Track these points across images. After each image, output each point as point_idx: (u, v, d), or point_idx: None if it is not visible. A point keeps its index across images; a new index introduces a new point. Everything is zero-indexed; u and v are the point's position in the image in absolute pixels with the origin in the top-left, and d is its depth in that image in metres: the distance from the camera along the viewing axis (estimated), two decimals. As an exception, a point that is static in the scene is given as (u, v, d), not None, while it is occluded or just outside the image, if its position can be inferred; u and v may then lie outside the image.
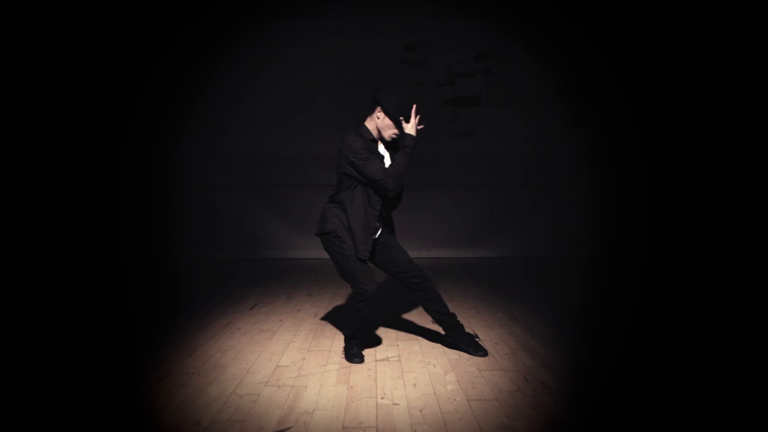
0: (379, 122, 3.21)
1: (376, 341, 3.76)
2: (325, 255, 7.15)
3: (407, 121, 3.18)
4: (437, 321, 3.55)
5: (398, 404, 2.72)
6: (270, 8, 7.57)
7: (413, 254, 3.73)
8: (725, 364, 3.31)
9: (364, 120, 3.29)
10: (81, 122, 6.15)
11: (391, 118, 3.17)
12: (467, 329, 3.70)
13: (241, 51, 7.69)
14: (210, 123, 7.76)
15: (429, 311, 3.51)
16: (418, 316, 4.32)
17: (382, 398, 2.80)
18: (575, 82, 7.83)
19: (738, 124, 5.84)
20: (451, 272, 6.50)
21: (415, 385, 2.98)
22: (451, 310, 3.55)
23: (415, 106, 3.19)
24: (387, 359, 3.39)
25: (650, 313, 4.58)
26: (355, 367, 3.25)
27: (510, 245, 7.84)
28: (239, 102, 7.82)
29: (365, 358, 3.39)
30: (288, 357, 3.43)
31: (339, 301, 4.99)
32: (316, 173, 7.50)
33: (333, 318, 4.39)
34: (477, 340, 3.60)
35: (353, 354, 3.37)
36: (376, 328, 4.05)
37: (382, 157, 3.26)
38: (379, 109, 3.19)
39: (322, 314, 4.52)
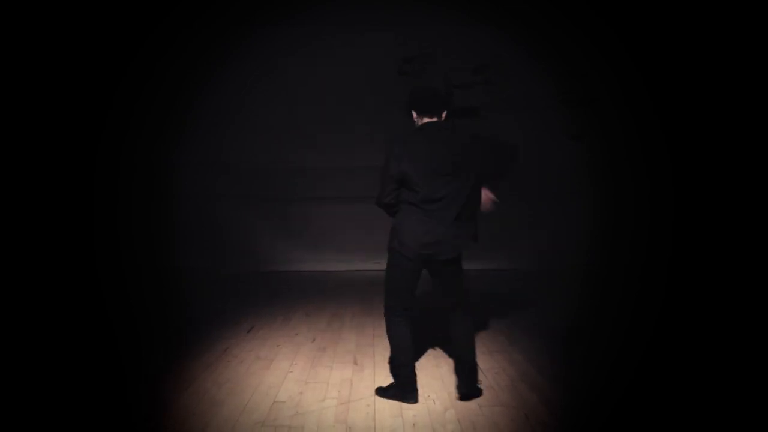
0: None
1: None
2: (323, 268, 7.24)
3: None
4: (457, 361, 3.38)
5: (397, 448, 2.68)
6: (269, 13, 7.47)
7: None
8: (726, 372, 3.39)
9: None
10: (78, 130, 6.08)
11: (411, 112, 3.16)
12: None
13: (240, 55, 7.60)
14: (208, 132, 7.68)
15: (457, 343, 3.34)
16: (419, 342, 4.23)
17: (380, 441, 2.75)
18: (576, 89, 7.75)
19: (742, 133, 5.78)
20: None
21: (414, 425, 2.92)
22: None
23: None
24: (386, 393, 3.33)
25: (649, 323, 4.62)
26: (354, 403, 3.19)
27: (509, 256, 7.79)
28: (237, 111, 7.74)
29: (366, 391, 3.33)
30: (285, 391, 3.37)
31: (337, 323, 4.94)
32: (315, 184, 7.48)
33: (331, 343, 4.34)
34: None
35: (390, 395, 3.24)
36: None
37: None
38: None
39: (319, 338, 4.46)
